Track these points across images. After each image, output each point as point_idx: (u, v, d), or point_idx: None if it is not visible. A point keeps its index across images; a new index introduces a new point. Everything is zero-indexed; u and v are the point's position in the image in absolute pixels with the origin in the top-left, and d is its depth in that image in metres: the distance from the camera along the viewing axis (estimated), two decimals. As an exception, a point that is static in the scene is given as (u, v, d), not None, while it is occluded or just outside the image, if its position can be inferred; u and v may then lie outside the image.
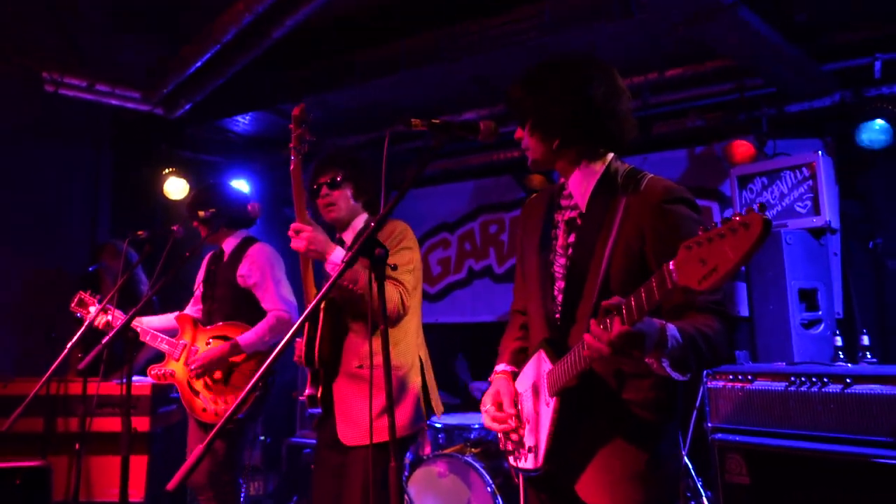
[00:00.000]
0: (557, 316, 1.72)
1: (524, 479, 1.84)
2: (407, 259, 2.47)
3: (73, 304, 3.39)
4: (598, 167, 1.72)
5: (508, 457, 1.84)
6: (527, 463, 1.73)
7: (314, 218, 2.61)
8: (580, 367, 1.55)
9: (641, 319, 1.33)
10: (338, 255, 2.26)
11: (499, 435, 1.89)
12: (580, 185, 1.74)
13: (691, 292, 1.22)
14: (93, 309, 3.28)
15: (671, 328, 1.42)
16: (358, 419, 2.37)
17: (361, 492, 2.33)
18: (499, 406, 1.83)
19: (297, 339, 2.53)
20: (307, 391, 2.42)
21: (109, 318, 3.21)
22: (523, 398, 1.81)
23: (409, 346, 2.52)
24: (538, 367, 1.75)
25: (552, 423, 1.64)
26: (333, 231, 2.63)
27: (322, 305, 2.41)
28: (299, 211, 2.30)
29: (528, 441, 1.74)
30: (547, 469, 1.66)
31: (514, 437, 1.82)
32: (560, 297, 1.72)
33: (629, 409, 1.62)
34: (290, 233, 2.24)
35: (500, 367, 1.93)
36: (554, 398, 1.65)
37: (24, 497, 2.52)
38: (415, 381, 2.49)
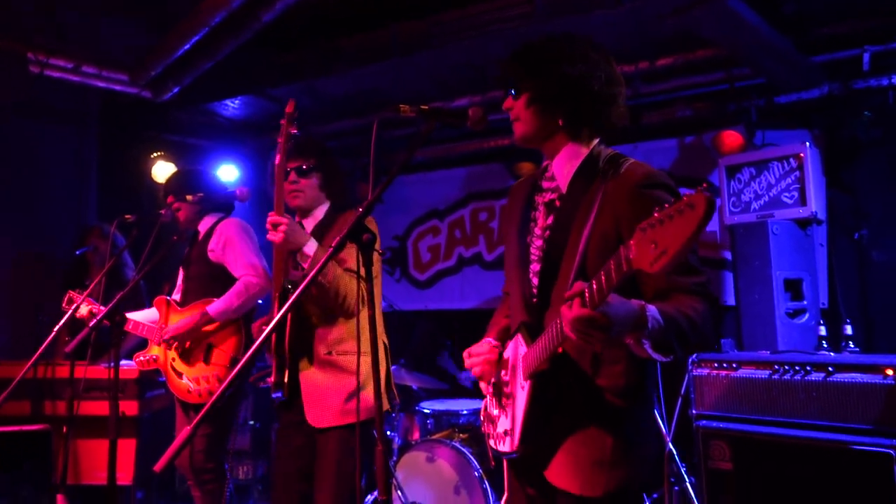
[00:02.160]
0: (534, 300, 1.73)
1: (506, 462, 1.87)
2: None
3: (63, 304, 3.39)
4: (584, 150, 1.72)
5: (489, 440, 1.86)
6: (504, 446, 1.76)
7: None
8: (551, 350, 1.56)
9: (604, 302, 1.33)
10: (310, 247, 2.34)
11: (481, 418, 1.92)
12: (564, 167, 1.74)
13: (646, 275, 1.23)
14: (83, 306, 3.27)
15: (651, 309, 1.42)
16: (328, 403, 2.43)
17: (336, 468, 2.40)
18: (486, 360, 1.86)
19: (261, 326, 2.60)
20: (272, 378, 2.44)
21: (93, 309, 3.21)
22: (502, 381, 1.83)
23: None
24: (516, 350, 1.77)
25: (526, 406, 1.66)
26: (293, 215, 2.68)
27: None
28: (278, 203, 2.36)
29: (506, 424, 1.76)
30: (522, 452, 1.68)
31: (492, 420, 1.84)
32: (535, 280, 1.73)
33: (600, 395, 1.63)
34: (268, 225, 2.29)
35: (486, 339, 1.95)
36: (528, 381, 1.67)
37: (25, 459, 2.55)
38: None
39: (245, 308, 3.11)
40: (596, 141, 1.75)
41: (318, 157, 2.63)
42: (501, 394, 1.82)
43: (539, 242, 1.74)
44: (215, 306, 3.08)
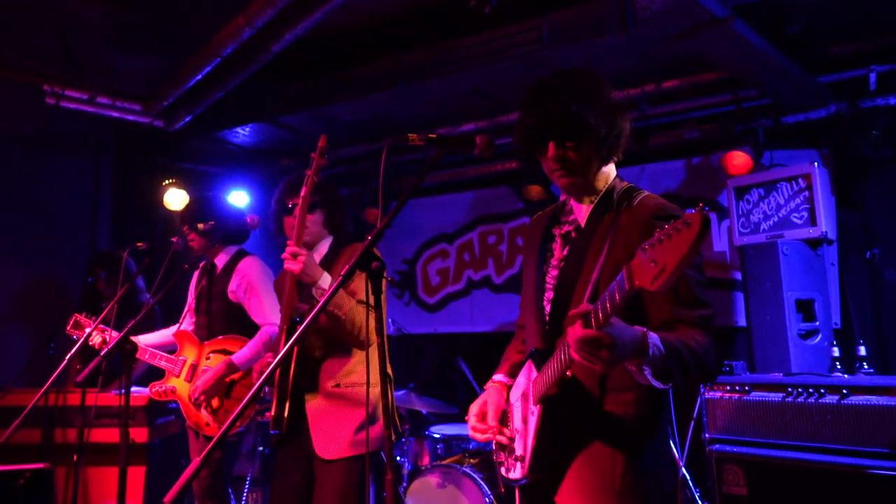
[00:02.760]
0: (546, 327, 1.75)
1: (517, 490, 1.85)
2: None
3: (68, 328, 3.42)
4: (601, 185, 1.77)
5: (500, 468, 1.86)
6: (515, 473, 1.75)
7: (278, 233, 2.70)
8: (558, 374, 1.57)
9: (608, 323, 1.35)
10: (325, 281, 2.35)
11: (493, 446, 1.91)
12: (583, 202, 1.78)
13: (648, 293, 1.25)
14: (96, 335, 3.30)
15: (653, 336, 1.44)
16: (338, 434, 2.43)
17: (338, 500, 2.38)
18: (482, 417, 1.85)
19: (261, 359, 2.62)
20: (271, 412, 2.44)
21: (106, 337, 3.23)
22: (514, 409, 1.83)
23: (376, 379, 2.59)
24: (527, 376, 1.78)
25: (536, 432, 1.66)
26: None
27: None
28: (299, 234, 2.39)
29: (517, 450, 1.75)
30: (532, 478, 1.67)
31: (504, 448, 1.84)
32: (548, 308, 1.75)
33: (609, 423, 1.63)
34: (286, 255, 2.31)
35: (496, 377, 1.96)
36: (538, 406, 1.67)
37: (26, 499, 2.53)
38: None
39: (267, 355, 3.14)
40: (613, 174, 1.79)
41: (322, 193, 2.66)
42: (510, 422, 1.82)
43: (554, 272, 1.77)
44: (240, 356, 3.11)
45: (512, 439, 1.79)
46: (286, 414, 2.41)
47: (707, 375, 1.55)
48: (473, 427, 1.86)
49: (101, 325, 3.27)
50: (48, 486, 2.65)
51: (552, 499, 1.69)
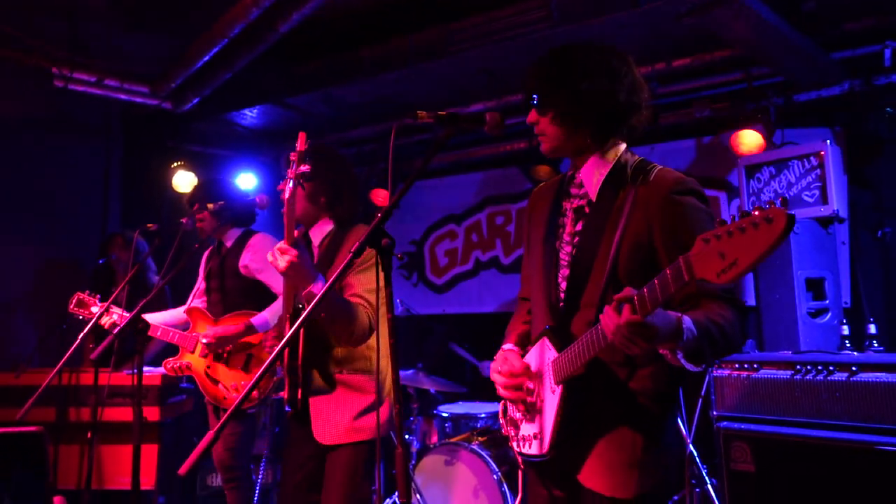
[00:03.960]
0: (561, 304, 1.73)
1: (527, 464, 1.86)
2: (367, 279, 2.39)
3: (71, 306, 3.42)
4: (611, 157, 1.73)
5: (511, 442, 1.86)
6: (531, 449, 1.75)
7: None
8: (588, 356, 1.56)
9: (654, 311, 1.34)
10: (319, 286, 2.15)
11: (500, 420, 1.92)
12: (592, 175, 1.74)
13: (708, 284, 1.24)
14: (94, 309, 3.33)
15: (687, 320, 1.43)
16: (337, 421, 2.40)
17: (344, 485, 2.37)
18: (507, 373, 1.80)
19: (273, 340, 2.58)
20: (284, 393, 2.44)
21: (115, 318, 3.26)
22: (530, 381, 1.80)
23: (386, 352, 2.56)
24: (542, 354, 1.76)
25: (558, 411, 1.66)
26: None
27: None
28: (288, 233, 2.20)
29: (533, 428, 1.75)
30: (551, 455, 1.68)
31: (514, 423, 1.83)
32: (564, 285, 1.73)
33: (632, 399, 1.64)
34: (275, 252, 2.14)
35: (507, 346, 1.94)
36: (560, 386, 1.67)
37: (20, 461, 2.56)
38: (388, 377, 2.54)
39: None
40: (623, 147, 1.75)
41: (316, 162, 2.35)
42: (523, 398, 1.80)
43: (568, 248, 1.74)
44: (260, 318, 3.14)
45: (528, 410, 1.78)
46: (299, 397, 2.41)
47: (733, 350, 1.56)
48: (503, 383, 1.80)
49: (113, 306, 3.30)
50: (41, 450, 2.67)
51: (574, 477, 1.69)
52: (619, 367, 1.64)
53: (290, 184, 2.23)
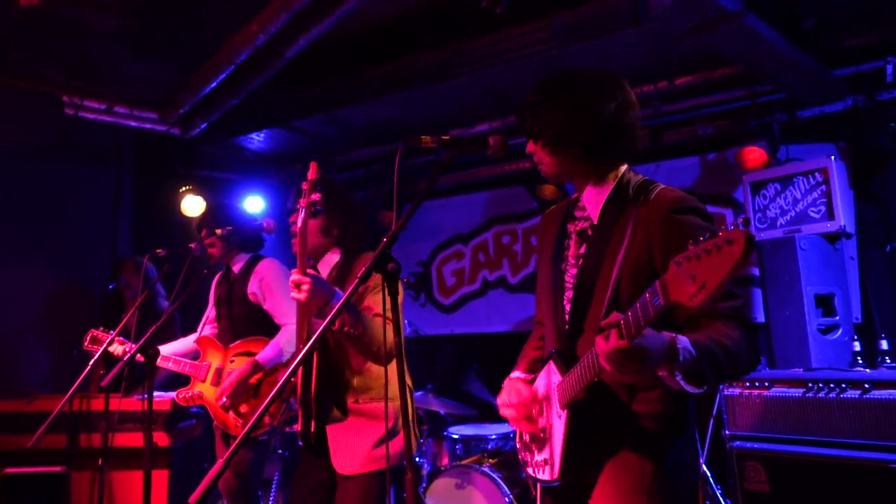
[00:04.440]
0: (566, 327, 1.73)
1: (542, 490, 1.85)
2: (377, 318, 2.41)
3: (86, 344, 3.46)
4: (611, 179, 1.73)
5: (527, 468, 1.86)
6: (544, 475, 1.75)
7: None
8: (587, 380, 1.56)
9: (640, 334, 1.33)
10: (337, 299, 2.20)
11: (517, 445, 1.92)
12: (593, 198, 1.75)
13: (684, 308, 1.23)
14: (116, 346, 3.36)
15: (683, 341, 1.41)
16: (356, 450, 2.39)
17: None
18: (514, 403, 1.81)
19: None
20: (298, 426, 2.43)
21: (126, 347, 3.28)
22: (542, 399, 1.81)
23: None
24: (549, 378, 1.77)
25: (564, 436, 1.66)
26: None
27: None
28: (301, 263, 2.23)
29: (545, 453, 1.75)
30: (563, 481, 1.68)
31: (528, 448, 1.83)
32: (568, 307, 1.73)
33: (637, 422, 1.63)
34: (291, 285, 2.17)
35: (514, 373, 1.95)
36: (565, 410, 1.67)
37: (43, 500, 2.55)
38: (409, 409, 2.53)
39: (291, 354, 3.15)
40: (623, 168, 1.76)
41: (327, 195, 2.42)
42: (535, 423, 1.81)
43: (573, 271, 1.75)
44: (264, 355, 3.13)
45: (540, 437, 1.79)
46: (312, 430, 2.40)
47: (742, 371, 1.53)
48: (513, 417, 1.82)
49: (120, 338, 3.33)
50: (62, 490, 2.67)
51: (583, 496, 1.69)
52: (621, 390, 1.63)
53: (302, 213, 2.25)
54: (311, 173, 2.27)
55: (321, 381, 2.40)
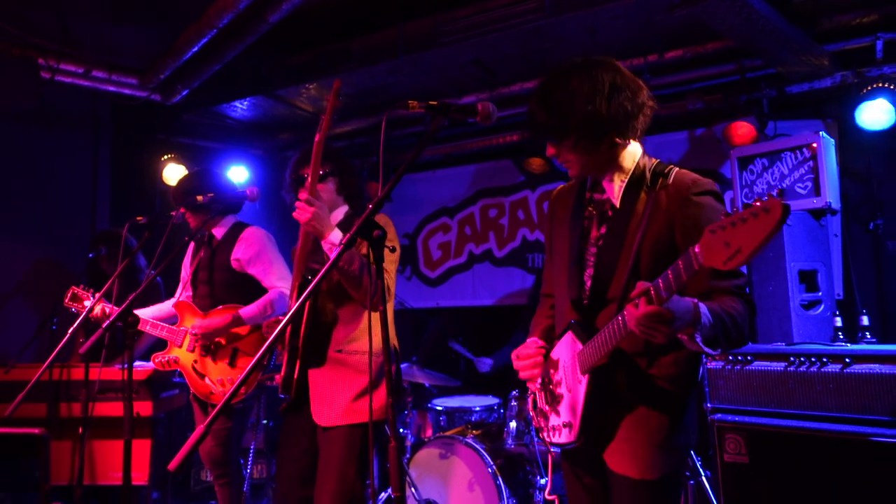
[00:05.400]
0: (586, 301, 1.83)
1: (562, 455, 1.96)
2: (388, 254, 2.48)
3: (66, 300, 3.42)
4: (629, 164, 1.82)
5: (542, 433, 1.97)
6: (561, 437, 1.86)
7: (293, 204, 2.62)
8: (611, 346, 1.67)
9: (669, 299, 1.45)
10: (335, 236, 2.30)
11: (530, 413, 2.02)
12: (614, 182, 1.83)
13: (717, 272, 1.38)
14: (87, 303, 3.31)
15: (703, 307, 1.55)
16: (335, 401, 2.43)
17: (338, 468, 2.38)
18: (526, 356, 1.95)
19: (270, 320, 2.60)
20: (280, 375, 2.44)
21: (106, 309, 3.24)
22: (554, 377, 1.91)
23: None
24: (568, 347, 1.86)
25: (585, 399, 1.77)
26: None
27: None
28: (312, 184, 2.33)
29: (563, 417, 1.85)
30: (582, 440, 1.79)
31: (544, 414, 1.93)
32: (589, 283, 1.83)
33: (654, 383, 1.75)
34: (299, 202, 2.26)
35: (531, 339, 2.05)
36: (585, 375, 1.77)
37: (21, 464, 2.53)
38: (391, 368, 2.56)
39: (273, 316, 3.14)
40: (639, 151, 1.84)
41: (334, 163, 2.63)
42: (551, 390, 1.91)
43: (593, 249, 1.85)
44: (248, 310, 3.13)
45: (555, 402, 1.89)
46: (296, 376, 2.41)
47: (744, 340, 1.66)
48: (521, 366, 1.95)
49: (103, 300, 3.27)
50: (41, 453, 2.63)
51: (600, 456, 1.81)
52: (639, 356, 1.76)
53: (324, 126, 2.30)
54: (337, 83, 2.30)
55: (310, 328, 2.43)
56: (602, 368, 1.74)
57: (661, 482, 1.72)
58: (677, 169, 1.79)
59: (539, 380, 1.97)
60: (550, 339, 2.00)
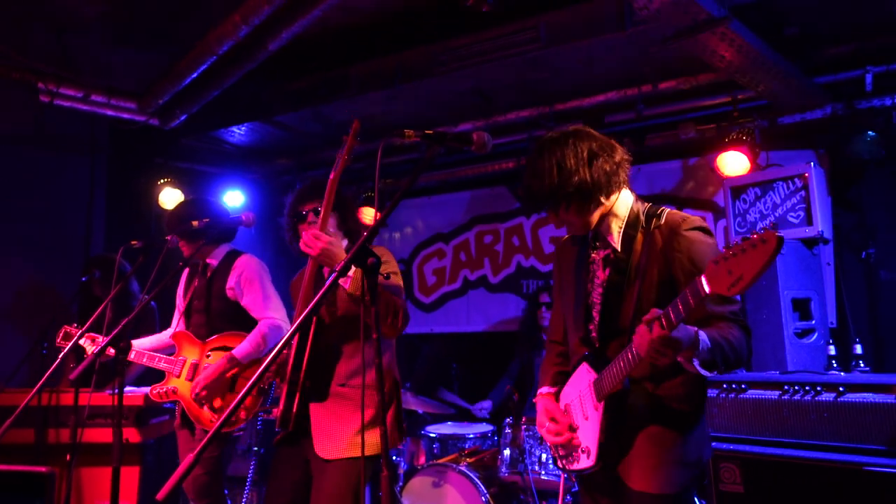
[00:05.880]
0: (595, 335, 1.99)
1: (578, 481, 2.05)
2: (394, 281, 2.56)
3: (58, 340, 3.39)
4: (624, 211, 2.00)
5: (559, 462, 2.10)
6: (580, 464, 1.98)
7: (293, 241, 2.65)
8: (626, 372, 1.80)
9: (678, 325, 1.59)
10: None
11: (549, 445, 2.13)
12: (612, 230, 2.00)
13: (721, 298, 1.55)
14: (82, 341, 3.29)
15: (702, 333, 1.69)
16: (339, 434, 2.41)
17: (338, 498, 2.35)
18: (552, 420, 2.07)
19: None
20: (278, 409, 2.41)
21: (96, 343, 3.22)
22: (571, 408, 2.06)
23: (390, 367, 2.61)
24: (582, 378, 2.00)
25: (602, 424, 1.89)
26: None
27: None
28: (324, 219, 2.40)
29: (582, 443, 1.98)
30: (601, 465, 1.89)
31: (565, 444, 2.04)
32: (598, 318, 1.99)
33: (665, 404, 1.89)
34: (309, 235, 2.29)
35: (543, 389, 2.19)
36: (601, 402, 1.90)
37: (22, 502, 2.48)
38: (394, 401, 2.57)
39: (268, 349, 3.12)
40: (631, 198, 2.01)
41: (335, 198, 2.60)
42: (571, 420, 2.04)
43: (600, 290, 2.01)
44: (241, 350, 3.10)
45: (573, 436, 2.02)
46: (294, 410, 2.38)
47: (740, 364, 1.79)
48: (550, 430, 2.07)
49: (92, 334, 3.26)
50: (47, 491, 2.60)
51: (622, 483, 1.90)
52: (648, 381, 1.90)
53: (339, 167, 2.39)
54: (356, 124, 2.42)
55: (313, 360, 2.41)
56: (616, 395, 1.87)
57: (678, 497, 1.84)
58: (668, 209, 1.97)
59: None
60: (559, 384, 2.15)
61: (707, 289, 1.51)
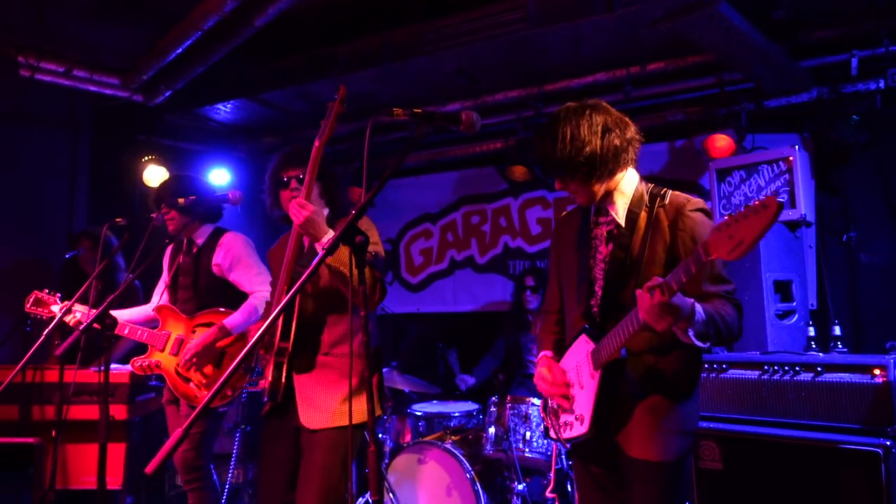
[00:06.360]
0: (596, 309, 2.04)
1: (572, 450, 2.14)
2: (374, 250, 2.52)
3: (28, 305, 3.33)
4: (629, 189, 2.05)
5: (551, 431, 2.17)
6: (572, 431, 2.05)
7: (273, 207, 2.63)
8: (624, 338, 1.86)
9: (677, 292, 1.65)
10: (329, 236, 2.32)
11: (541, 414, 2.19)
12: (618, 205, 2.05)
13: (717, 277, 1.75)
14: (55, 308, 3.26)
15: (698, 306, 1.77)
16: (324, 404, 2.43)
17: (324, 468, 2.37)
18: (552, 378, 2.13)
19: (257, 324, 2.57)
20: (266, 380, 2.43)
21: (79, 316, 3.19)
22: (569, 376, 2.11)
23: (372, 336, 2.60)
24: (580, 349, 2.05)
25: (596, 392, 1.95)
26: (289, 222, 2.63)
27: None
28: (308, 188, 2.37)
29: (577, 411, 2.04)
30: (594, 432, 1.95)
31: (560, 406, 2.11)
32: (600, 293, 2.04)
33: (662, 375, 1.96)
34: (294, 204, 2.28)
35: (545, 352, 2.26)
36: (598, 371, 1.96)
37: (9, 474, 2.49)
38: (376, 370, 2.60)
39: (258, 321, 3.12)
40: (637, 177, 2.07)
41: (319, 167, 2.58)
42: (568, 389, 2.09)
43: (602, 265, 2.06)
44: (232, 320, 3.11)
45: (569, 399, 2.09)
46: (283, 380, 2.40)
47: (732, 339, 1.89)
48: (548, 389, 2.13)
49: (76, 305, 3.23)
50: (35, 461, 2.60)
51: (619, 451, 1.97)
52: (646, 354, 1.97)
53: (325, 134, 2.34)
54: (342, 90, 2.37)
55: (298, 330, 2.42)
56: (613, 365, 1.93)
57: (678, 464, 1.93)
58: (672, 191, 2.04)
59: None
60: (559, 351, 2.20)
61: (709, 254, 1.57)
